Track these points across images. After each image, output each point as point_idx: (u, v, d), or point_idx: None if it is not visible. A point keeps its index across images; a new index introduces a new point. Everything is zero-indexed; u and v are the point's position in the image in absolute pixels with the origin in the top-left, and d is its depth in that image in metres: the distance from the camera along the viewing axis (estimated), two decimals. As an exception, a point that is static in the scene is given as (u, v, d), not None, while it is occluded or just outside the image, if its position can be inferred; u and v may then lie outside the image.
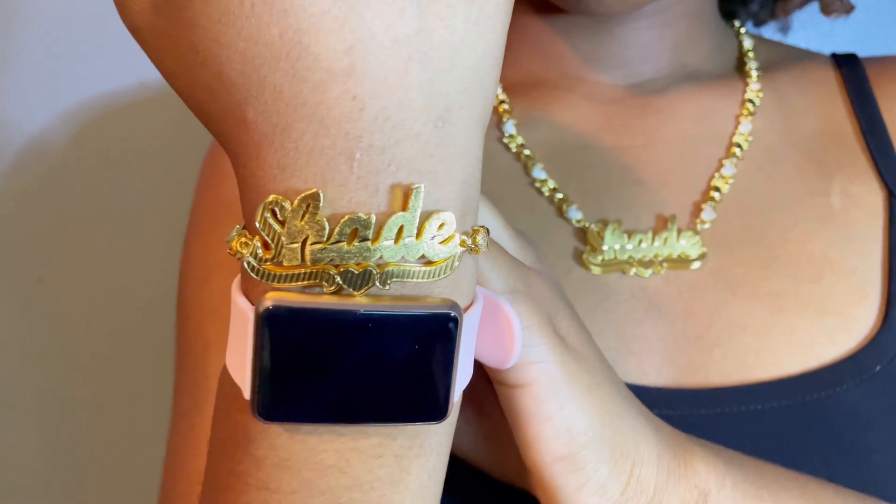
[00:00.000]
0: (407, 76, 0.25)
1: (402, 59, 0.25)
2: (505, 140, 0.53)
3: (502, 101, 0.54)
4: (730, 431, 0.44)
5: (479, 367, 0.34)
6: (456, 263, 0.27)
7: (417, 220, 0.26)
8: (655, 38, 0.53)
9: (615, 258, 0.48)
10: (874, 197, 0.50)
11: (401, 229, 0.26)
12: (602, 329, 0.46)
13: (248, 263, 0.26)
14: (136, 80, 0.74)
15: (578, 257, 0.48)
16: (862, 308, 0.46)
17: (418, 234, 0.26)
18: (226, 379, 0.30)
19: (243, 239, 0.26)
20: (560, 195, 0.50)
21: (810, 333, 0.46)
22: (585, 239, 0.49)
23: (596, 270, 0.48)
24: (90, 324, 0.79)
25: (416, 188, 0.26)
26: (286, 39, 0.25)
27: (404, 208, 0.26)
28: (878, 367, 0.44)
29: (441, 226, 0.27)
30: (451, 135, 0.27)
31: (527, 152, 0.52)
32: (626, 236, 0.48)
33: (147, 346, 0.77)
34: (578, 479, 0.34)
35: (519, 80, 0.56)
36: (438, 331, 0.27)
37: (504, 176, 0.52)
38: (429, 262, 0.27)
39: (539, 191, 0.51)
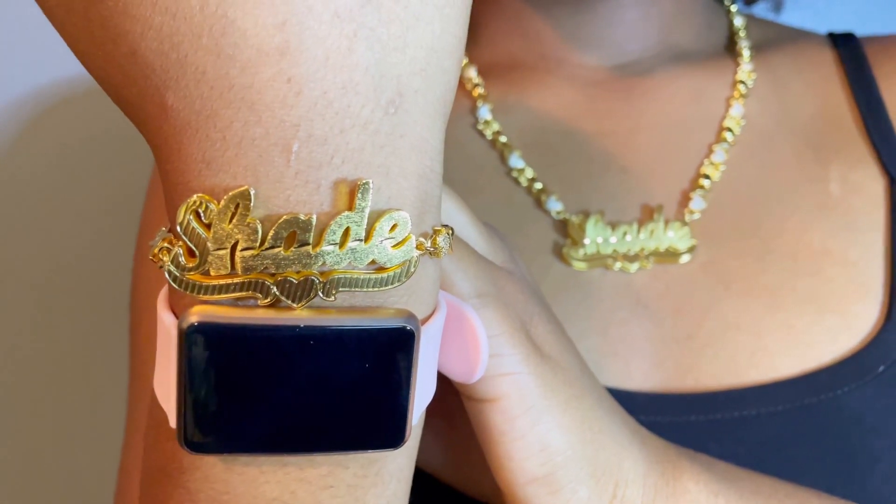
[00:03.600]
0: (351, 55, 0.22)
1: (346, 36, 0.22)
2: (479, 126, 0.49)
3: (476, 85, 0.51)
4: (722, 439, 0.41)
5: (448, 378, 0.31)
6: (412, 269, 0.24)
7: (366, 221, 0.23)
8: (640, 16, 0.50)
9: (598, 252, 0.44)
10: (875, 184, 0.47)
11: (346, 231, 0.23)
12: (584, 329, 0.43)
13: (170, 273, 0.23)
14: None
15: (558, 252, 0.45)
16: (863, 304, 0.43)
17: (367, 237, 0.23)
18: (154, 402, 0.27)
19: (165, 244, 0.23)
20: (539, 185, 0.47)
21: (809, 332, 0.42)
22: (566, 232, 0.45)
23: (577, 266, 0.44)
24: (43, 316, 0.75)
25: (364, 184, 0.22)
26: (208, 13, 0.21)
27: (350, 208, 0.23)
28: (881, 368, 0.41)
29: (394, 227, 0.23)
30: (405, 123, 0.23)
31: (503, 139, 0.49)
32: (609, 228, 0.44)
33: (102, 342, 0.74)
34: (555, 502, 0.31)
35: (495, 61, 0.52)
36: (392, 347, 0.24)
37: (478, 165, 0.48)
38: (381, 269, 0.24)
39: (516, 181, 0.48)
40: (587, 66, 0.50)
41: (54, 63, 0.70)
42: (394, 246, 0.23)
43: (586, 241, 0.44)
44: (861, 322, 0.43)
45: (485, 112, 0.50)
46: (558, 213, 0.46)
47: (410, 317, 0.24)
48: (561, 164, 0.48)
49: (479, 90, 0.50)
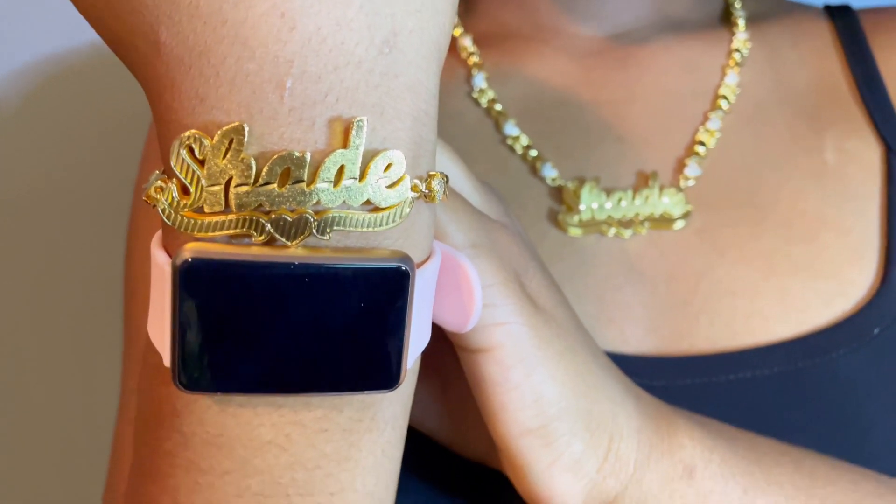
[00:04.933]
0: None
1: None
2: (475, 95, 0.49)
3: (472, 54, 0.50)
4: (717, 402, 0.41)
5: (443, 335, 0.31)
6: (406, 210, 0.24)
7: (360, 160, 0.23)
8: None
9: (593, 218, 0.44)
10: (871, 152, 0.47)
11: (341, 170, 0.23)
12: (580, 295, 0.43)
13: (164, 210, 0.23)
14: (88, 40, 0.69)
15: (554, 218, 0.45)
16: (858, 269, 0.43)
17: (362, 176, 0.23)
18: (149, 346, 0.27)
19: (159, 183, 0.23)
20: (534, 153, 0.47)
21: (803, 297, 0.42)
22: (561, 198, 0.45)
23: (573, 232, 0.44)
24: (39, 292, 0.75)
25: (359, 122, 0.22)
26: None
27: (345, 146, 0.23)
28: (876, 331, 0.41)
29: (388, 166, 0.23)
30: (400, 63, 0.23)
31: (498, 107, 0.49)
32: (604, 194, 0.44)
33: (101, 337, 0.73)
34: (550, 455, 0.31)
35: (491, 31, 0.52)
36: (387, 287, 0.24)
37: (473, 133, 0.48)
38: (376, 209, 0.24)
39: (511, 148, 0.48)
40: (582, 35, 0.50)
41: (49, 36, 0.70)
42: (388, 186, 0.23)
43: (581, 207, 0.44)
44: (856, 287, 0.43)
45: (480, 80, 0.49)
46: (553, 179, 0.46)
47: (406, 258, 0.24)
48: (556, 132, 0.48)
49: (475, 59, 0.50)
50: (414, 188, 0.24)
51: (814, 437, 0.40)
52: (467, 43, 0.51)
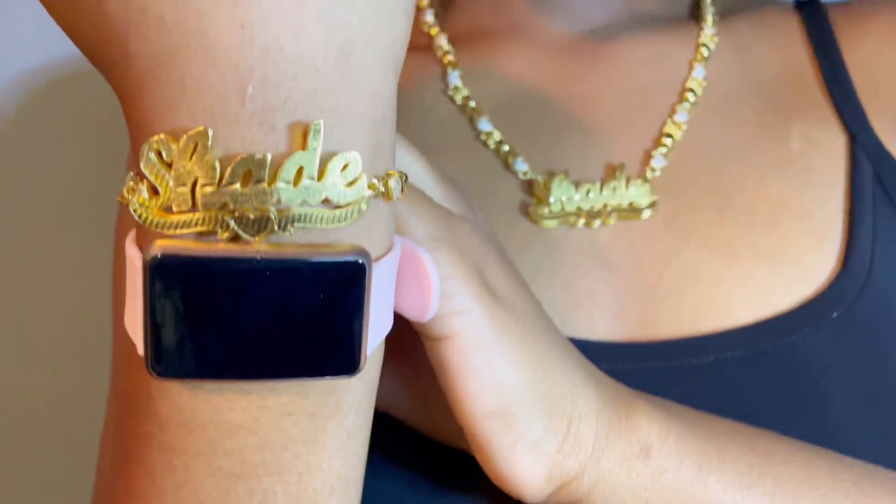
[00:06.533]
0: (303, 4, 0.23)
1: None
2: (450, 92, 0.51)
3: (447, 52, 0.52)
4: (682, 385, 0.42)
5: (410, 325, 0.33)
6: (364, 207, 0.25)
7: (318, 160, 0.24)
8: None
9: (563, 210, 0.46)
10: (836, 141, 0.48)
11: (300, 170, 0.24)
12: (550, 283, 0.45)
13: (135, 210, 0.24)
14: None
15: (525, 210, 0.47)
16: (820, 254, 0.45)
17: (320, 176, 0.25)
18: (126, 337, 0.28)
19: (131, 184, 0.24)
20: (506, 147, 0.48)
21: (765, 282, 0.44)
22: (532, 191, 0.47)
23: (544, 223, 0.46)
24: (31, 301, 0.77)
25: (315, 125, 0.24)
26: None
27: (304, 148, 0.24)
28: (835, 314, 0.43)
29: (345, 166, 0.25)
30: (356, 70, 0.25)
31: (472, 104, 0.50)
32: (573, 187, 0.46)
33: (91, 327, 0.75)
34: (511, 436, 0.32)
35: (465, 30, 0.53)
36: (345, 279, 0.25)
37: (448, 129, 0.50)
38: (335, 207, 0.25)
39: (485, 144, 0.49)
40: (554, 32, 0.52)
41: (41, 45, 0.71)
42: (346, 185, 0.25)
43: (551, 199, 0.46)
44: (817, 272, 0.44)
45: (454, 78, 0.51)
46: (524, 173, 0.48)
47: (362, 252, 0.26)
48: (528, 127, 0.49)
49: (449, 57, 0.52)
50: (371, 186, 0.26)
51: (776, 416, 0.42)
52: (443, 42, 0.52)
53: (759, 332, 0.43)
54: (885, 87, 0.49)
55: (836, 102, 0.49)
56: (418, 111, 0.51)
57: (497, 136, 0.49)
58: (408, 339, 0.35)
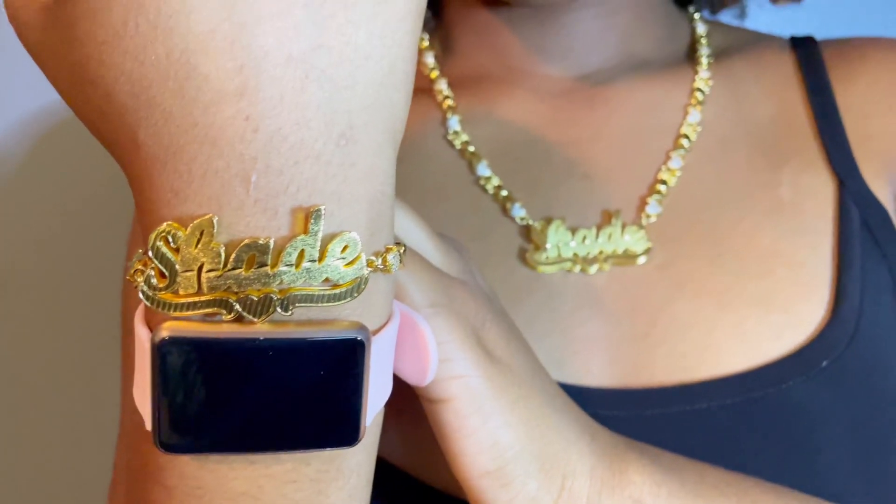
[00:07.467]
0: (304, 94, 0.24)
1: (298, 78, 0.24)
2: (449, 137, 0.52)
3: (447, 97, 0.53)
4: (675, 432, 0.43)
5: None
6: (363, 286, 0.26)
7: (319, 244, 0.25)
8: (601, 27, 0.52)
9: (559, 256, 0.47)
10: (825, 187, 0.49)
11: (302, 253, 0.25)
12: (547, 329, 0.46)
13: (143, 292, 0.25)
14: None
15: (523, 256, 0.48)
16: (809, 303, 0.45)
17: (321, 258, 0.26)
18: (134, 407, 0.29)
19: (139, 266, 0.25)
20: (504, 192, 0.50)
21: (756, 330, 0.45)
22: (529, 237, 0.48)
23: (540, 269, 0.47)
24: (54, 330, 0.78)
25: (317, 210, 0.25)
26: (173, 59, 0.24)
27: (305, 231, 0.25)
28: (824, 363, 0.44)
29: (345, 248, 0.26)
30: (356, 153, 0.26)
31: (471, 149, 0.51)
32: (569, 233, 0.47)
33: (112, 354, 0.76)
34: (507, 494, 0.33)
35: (465, 74, 0.55)
36: (344, 355, 0.26)
37: (448, 174, 0.51)
38: (335, 286, 0.26)
39: (483, 188, 0.50)
40: (551, 76, 0.53)
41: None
42: (346, 265, 0.26)
43: (548, 245, 0.47)
44: (807, 320, 0.45)
45: (454, 123, 0.52)
46: (522, 219, 0.49)
47: (361, 328, 0.27)
48: (525, 172, 0.50)
49: (449, 102, 0.53)
50: (370, 264, 0.27)
51: (767, 463, 0.43)
52: (443, 86, 0.54)
53: (751, 380, 0.44)
54: (876, 133, 0.49)
55: (827, 147, 0.50)
56: (419, 156, 0.52)
57: (496, 181, 0.50)
58: (408, 393, 0.36)
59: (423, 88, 0.55)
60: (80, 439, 0.80)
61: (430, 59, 0.56)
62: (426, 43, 0.56)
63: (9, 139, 0.75)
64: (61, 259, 0.77)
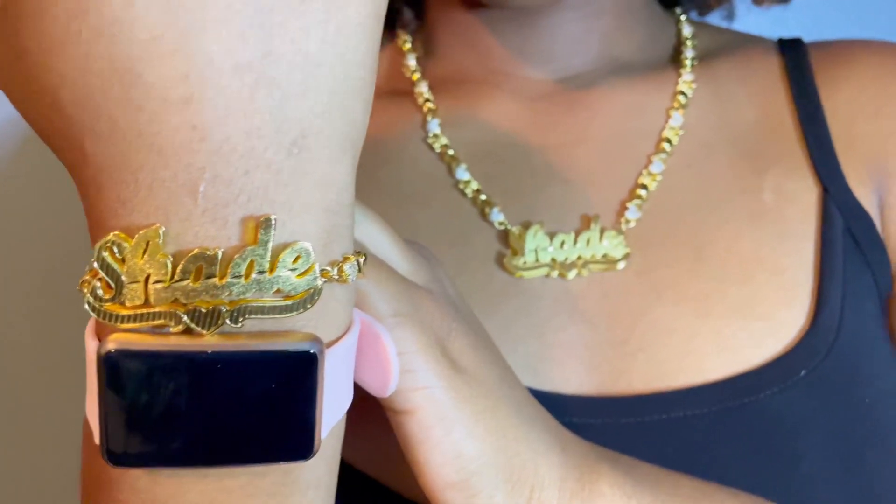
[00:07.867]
0: (253, 103, 0.24)
1: (247, 85, 0.24)
2: (429, 140, 0.51)
3: (427, 100, 0.53)
4: (652, 440, 0.43)
5: None
6: (317, 297, 0.26)
7: (269, 254, 0.25)
8: (583, 30, 0.52)
9: (537, 261, 0.46)
10: (808, 193, 0.48)
11: (251, 264, 0.25)
12: (523, 335, 0.45)
13: (89, 303, 0.25)
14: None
15: (501, 261, 0.47)
16: (790, 310, 0.45)
17: (271, 269, 0.25)
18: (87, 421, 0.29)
19: (87, 277, 0.25)
20: (483, 197, 0.49)
21: (736, 337, 0.44)
22: (507, 242, 0.47)
23: (518, 274, 0.46)
24: (52, 330, 0.78)
25: (266, 220, 0.24)
26: (117, 68, 0.23)
27: (255, 242, 0.25)
28: (803, 372, 0.43)
29: (297, 258, 0.25)
30: (309, 161, 0.25)
31: (451, 152, 0.51)
32: (548, 238, 0.46)
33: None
34: None
35: (446, 76, 0.54)
36: (296, 368, 0.26)
37: (427, 178, 0.51)
38: (288, 296, 0.26)
39: (462, 192, 0.50)
40: (533, 79, 0.52)
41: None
42: (298, 276, 0.25)
43: (526, 250, 0.46)
44: (787, 328, 0.44)
45: (434, 126, 0.52)
46: (501, 223, 0.48)
47: (315, 340, 0.26)
48: (505, 177, 0.50)
49: (430, 105, 0.52)
50: (324, 274, 0.26)
51: (746, 472, 0.42)
52: (423, 89, 0.53)
53: (730, 388, 0.43)
54: (860, 139, 0.49)
55: (811, 152, 0.49)
56: (398, 159, 0.52)
57: (475, 185, 0.49)
58: (374, 400, 0.36)
59: (404, 91, 0.54)
60: (79, 439, 0.80)
61: (411, 62, 0.55)
62: (408, 45, 0.56)
63: (5, 138, 0.74)
64: (60, 259, 0.76)
